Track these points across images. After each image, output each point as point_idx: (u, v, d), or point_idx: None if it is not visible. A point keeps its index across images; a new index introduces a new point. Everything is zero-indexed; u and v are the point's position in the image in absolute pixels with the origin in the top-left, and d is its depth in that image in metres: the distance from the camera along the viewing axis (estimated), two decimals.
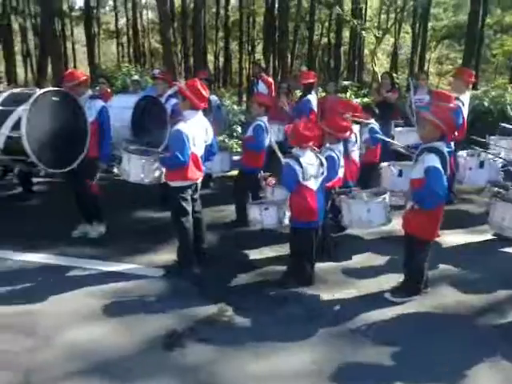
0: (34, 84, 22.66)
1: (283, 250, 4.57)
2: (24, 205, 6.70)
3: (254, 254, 4.80)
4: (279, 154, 4.25)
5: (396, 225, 4.28)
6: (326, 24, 27.55)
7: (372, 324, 3.50)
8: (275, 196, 4.81)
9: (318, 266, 4.30)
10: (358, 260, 4.69)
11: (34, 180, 7.27)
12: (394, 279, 4.06)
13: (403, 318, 3.60)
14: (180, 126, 4.17)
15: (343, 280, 4.28)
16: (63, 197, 6.20)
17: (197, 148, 4.26)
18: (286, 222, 4.45)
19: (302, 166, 3.95)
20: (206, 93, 4.32)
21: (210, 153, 4.58)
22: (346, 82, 12.45)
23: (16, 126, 4.32)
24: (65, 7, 29.53)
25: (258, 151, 5.44)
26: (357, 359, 3.12)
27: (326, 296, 3.94)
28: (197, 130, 4.25)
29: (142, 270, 4.43)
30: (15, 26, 28.55)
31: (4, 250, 4.83)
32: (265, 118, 5.49)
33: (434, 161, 3.48)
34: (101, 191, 5.31)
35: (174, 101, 5.88)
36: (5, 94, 4.81)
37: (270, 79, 8.87)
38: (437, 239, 4.36)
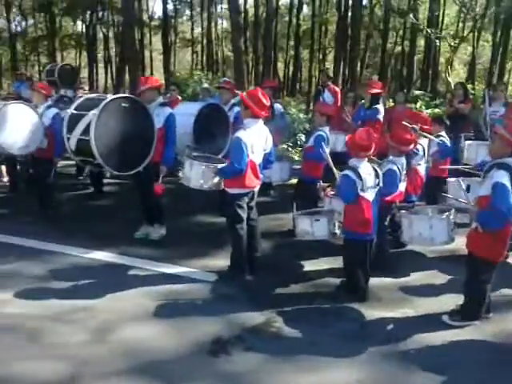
0: (112, 90, 24.01)
1: (338, 262, 4.48)
2: (93, 204, 7.09)
3: (308, 265, 4.75)
4: (332, 167, 4.18)
5: (460, 243, 4.05)
6: (401, 32, 26.83)
7: (425, 347, 3.33)
8: (333, 207, 4.73)
9: (374, 281, 4.18)
10: (417, 278, 4.49)
11: (105, 181, 7.68)
12: (454, 301, 3.84)
13: (460, 344, 3.39)
14: (240, 133, 4.23)
15: (399, 298, 4.11)
16: (129, 198, 6.50)
17: (255, 156, 4.29)
18: (338, 232, 4.38)
19: (361, 178, 3.88)
20: (267, 102, 4.35)
21: (267, 161, 4.59)
22: (417, 92, 12.04)
23: (86, 130, 4.60)
24: (145, 17, 31.07)
25: (318, 161, 5.39)
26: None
27: (379, 313, 3.81)
28: (256, 138, 4.28)
29: (196, 273, 4.52)
30: (99, 35, 30.45)
31: (72, 246, 5.13)
32: (327, 128, 5.44)
33: (502, 177, 3.27)
34: (165, 194, 5.49)
35: (237, 109, 5.99)
36: (80, 100, 5.15)
37: (337, 88, 8.77)
38: (503, 261, 4.08)
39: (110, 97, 4.83)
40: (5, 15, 28.85)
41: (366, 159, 4.02)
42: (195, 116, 5.52)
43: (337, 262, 4.55)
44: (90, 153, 4.61)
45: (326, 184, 5.03)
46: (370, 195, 3.95)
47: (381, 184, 4.06)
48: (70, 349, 3.22)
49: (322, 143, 5.30)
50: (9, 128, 5.54)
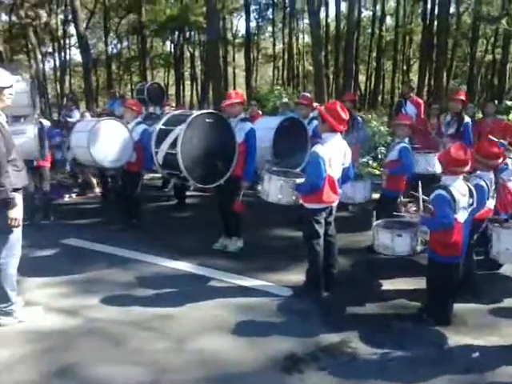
0: (198, 105, 25.03)
1: (418, 283, 4.27)
2: (176, 215, 7.41)
3: (387, 284, 4.58)
4: (420, 199, 3.94)
5: None
6: (491, 39, 25.35)
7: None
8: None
9: (459, 305, 3.92)
10: (508, 304, 4.16)
11: (187, 193, 7.99)
12: None
13: None
14: (317, 148, 4.20)
15: (487, 324, 3.83)
16: (210, 210, 6.70)
17: (333, 171, 4.24)
18: (420, 249, 4.17)
19: (454, 199, 3.61)
20: (345, 115, 4.29)
21: (346, 176, 4.52)
22: (509, 103, 11.25)
23: (174, 144, 4.83)
24: (229, 35, 32.20)
25: (401, 174, 5.23)
26: None
27: (462, 339, 3.57)
28: (334, 153, 4.23)
29: (272, 287, 4.53)
30: (186, 54, 31.98)
31: (155, 256, 5.38)
32: (406, 140, 5.29)
33: None
34: (244, 208, 5.59)
35: (316, 123, 5.98)
36: (168, 116, 5.43)
37: (420, 100, 8.42)
38: None
39: (195, 113, 5.04)
40: (103, 39, 31.32)
41: (462, 177, 3.78)
42: (275, 130, 5.57)
43: (417, 283, 4.34)
44: (176, 166, 4.83)
45: (407, 199, 4.83)
46: (461, 216, 3.68)
47: (474, 204, 3.79)
48: (150, 355, 3.36)
49: (408, 154, 5.14)
50: (101, 143, 5.98)
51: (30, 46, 26.70)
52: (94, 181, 9.00)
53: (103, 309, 4.10)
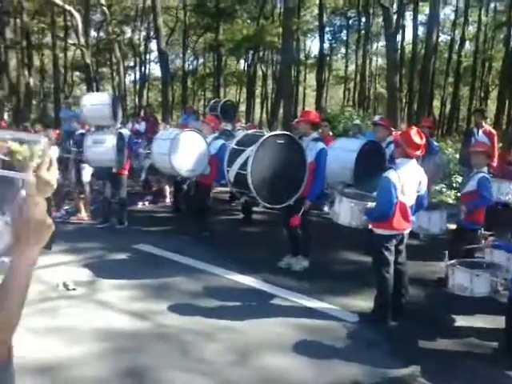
0: (267, 123, 25.39)
1: (496, 322, 4.03)
2: (242, 230, 7.51)
3: (460, 320, 4.35)
4: None
5: None
6: None
7: None
8: (494, 259, 4.30)
9: None
10: None
11: (254, 209, 8.09)
12: None
13: None
14: (389, 173, 4.12)
15: None
16: (276, 227, 6.74)
17: (406, 197, 4.14)
18: (501, 290, 3.93)
19: None
20: (421, 141, 4.19)
21: (419, 204, 4.38)
22: None
23: (245, 164, 4.93)
24: (301, 56, 32.54)
25: (482, 206, 4.99)
26: None
27: None
28: (408, 179, 4.13)
29: (337, 311, 4.46)
30: (258, 73, 32.65)
31: (220, 268, 5.48)
32: (485, 169, 5.05)
33: None
34: (311, 227, 5.56)
35: (393, 147, 5.88)
36: (240, 136, 5.56)
37: (493, 130, 7.85)
38: None
39: (267, 134, 5.14)
40: (181, 56, 32.74)
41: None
42: (357, 152, 5.51)
43: (494, 322, 4.10)
44: (246, 185, 4.93)
45: (488, 232, 4.61)
46: None
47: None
48: (215, 366, 3.41)
49: (488, 185, 4.91)
50: (181, 151, 6.24)
51: (114, 59, 28.41)
52: (167, 191, 9.35)
53: (171, 315, 4.22)
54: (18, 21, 22.42)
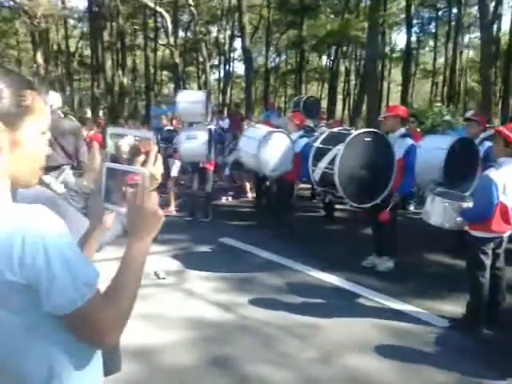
0: (348, 120, 24.94)
1: None
2: (324, 228, 7.45)
3: None
4: None
5: None
6: None
7: None
8: None
9: None
10: None
11: (336, 206, 7.98)
12: None
13: None
14: (490, 172, 3.86)
15: None
16: (359, 226, 6.61)
17: (508, 199, 3.86)
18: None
19: None
20: None
21: None
22: None
23: (331, 163, 4.88)
24: (387, 49, 31.49)
25: None
26: None
27: None
28: (511, 179, 3.86)
29: (424, 315, 4.28)
30: (341, 68, 32.12)
31: (303, 264, 5.48)
32: None
33: None
34: (398, 227, 5.38)
35: (488, 144, 5.53)
36: (325, 134, 5.50)
37: None
38: None
39: (354, 132, 5.03)
40: (264, 53, 33.09)
41: None
42: (447, 150, 5.25)
43: None
44: (332, 184, 4.87)
45: None
46: None
47: None
48: (299, 362, 3.42)
49: None
50: (269, 152, 6.30)
51: (200, 59, 29.38)
52: (248, 186, 9.52)
53: (255, 309, 4.29)
54: (113, 24, 23.94)
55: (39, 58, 21.88)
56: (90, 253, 1.24)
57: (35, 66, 22.45)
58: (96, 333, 1.01)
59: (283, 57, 35.91)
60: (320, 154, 5.09)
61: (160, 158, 1.40)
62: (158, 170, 1.35)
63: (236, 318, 4.11)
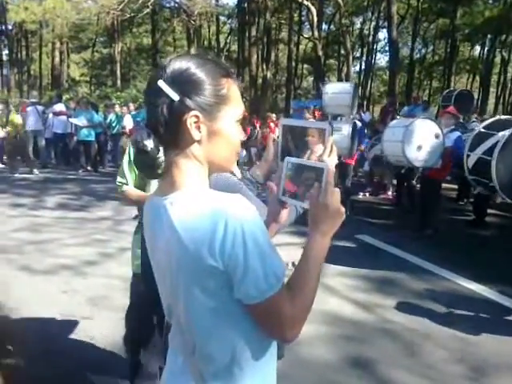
0: (501, 114, 22.54)
1: None
2: (472, 232, 6.83)
3: None
4: None
5: None
6: None
7: None
8: None
9: None
10: None
11: (489, 211, 7.28)
12: None
13: None
14: None
15: None
16: None
17: None
18: None
19: None
20: None
21: None
22: None
23: (490, 150, 4.43)
24: None
25: None
26: None
27: None
28: None
29: None
30: (496, 59, 29.12)
31: (447, 270, 5.09)
32: None
33: None
34: None
35: None
36: (492, 119, 5.01)
37: None
38: None
39: None
40: (408, 44, 31.46)
41: None
42: None
43: None
44: (486, 174, 4.44)
45: None
46: None
47: None
48: (445, 377, 3.15)
49: None
50: (414, 140, 5.97)
51: (342, 51, 28.99)
52: (389, 184, 9.15)
53: (396, 312, 4.10)
54: (260, 19, 24.75)
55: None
56: None
57: None
58: (280, 325, 1.00)
59: (430, 47, 33.74)
60: (480, 139, 4.67)
61: (335, 150, 1.37)
62: (332, 161, 1.32)
63: (376, 318, 3.97)
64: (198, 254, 0.94)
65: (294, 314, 1.00)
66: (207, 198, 0.98)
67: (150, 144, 1.04)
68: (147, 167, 1.07)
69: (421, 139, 5.96)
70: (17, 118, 12.07)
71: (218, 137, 1.04)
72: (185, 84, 1.00)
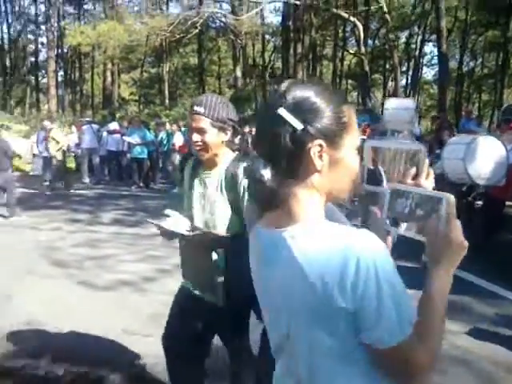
0: None
1: None
2: None
3: None
4: None
5: None
6: None
7: None
8: None
9: None
10: None
11: None
12: None
13: None
14: None
15: None
16: None
17: None
18: None
19: None
20: None
21: None
22: None
23: None
24: None
25: None
26: None
27: None
28: None
29: None
30: None
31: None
32: None
33: None
34: None
35: None
36: None
37: None
38: None
39: None
40: (456, 57, 30.73)
41: None
42: None
43: None
44: None
45: None
46: None
47: None
48: None
49: None
50: (477, 158, 5.73)
51: (387, 66, 28.63)
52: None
53: (466, 337, 3.89)
54: (305, 36, 24.88)
55: (238, 72, 23.95)
56: None
57: (232, 78, 24.62)
58: (409, 371, 0.95)
59: (479, 60, 32.80)
60: None
61: (432, 172, 1.30)
62: (429, 184, 1.26)
63: (445, 344, 3.78)
64: (327, 292, 0.89)
65: (424, 359, 0.94)
66: (333, 232, 0.93)
67: (267, 174, 0.99)
68: (263, 199, 1.03)
69: (484, 157, 5.72)
70: (59, 137, 11.95)
71: (339, 166, 1.00)
72: (307, 112, 0.96)
